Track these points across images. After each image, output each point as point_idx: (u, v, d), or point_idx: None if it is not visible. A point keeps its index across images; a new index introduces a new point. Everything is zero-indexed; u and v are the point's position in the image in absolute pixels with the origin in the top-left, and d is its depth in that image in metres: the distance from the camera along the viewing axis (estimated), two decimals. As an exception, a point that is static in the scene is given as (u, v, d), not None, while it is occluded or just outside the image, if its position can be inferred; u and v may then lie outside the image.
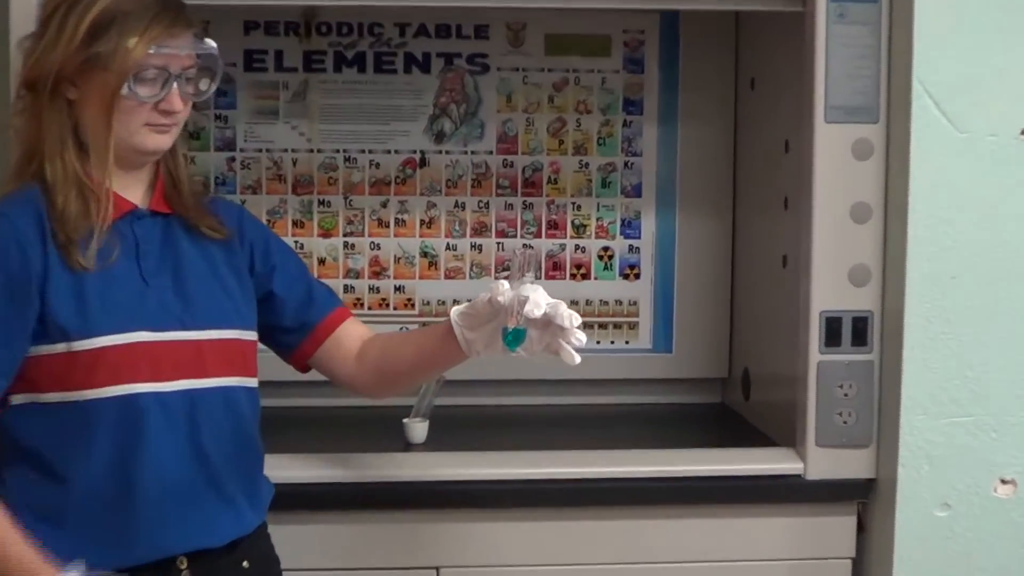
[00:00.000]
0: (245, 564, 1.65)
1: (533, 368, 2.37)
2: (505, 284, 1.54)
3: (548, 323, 1.53)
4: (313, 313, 1.77)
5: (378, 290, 2.53)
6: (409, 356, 1.75)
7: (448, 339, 1.64)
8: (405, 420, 2.15)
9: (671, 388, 2.56)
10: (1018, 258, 1.98)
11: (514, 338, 1.53)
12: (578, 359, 1.55)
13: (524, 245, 2.50)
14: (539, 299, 1.51)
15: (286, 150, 2.49)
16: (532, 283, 1.54)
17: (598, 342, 2.50)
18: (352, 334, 1.79)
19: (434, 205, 2.52)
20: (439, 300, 2.53)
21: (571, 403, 2.52)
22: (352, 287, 2.52)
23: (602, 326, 2.51)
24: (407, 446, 2.13)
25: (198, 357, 1.60)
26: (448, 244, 2.52)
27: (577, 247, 2.54)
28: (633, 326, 2.56)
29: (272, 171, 2.49)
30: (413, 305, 2.53)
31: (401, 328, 2.45)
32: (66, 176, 1.56)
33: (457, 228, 2.53)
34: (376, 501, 1.98)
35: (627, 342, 2.56)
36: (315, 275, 2.04)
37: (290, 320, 1.76)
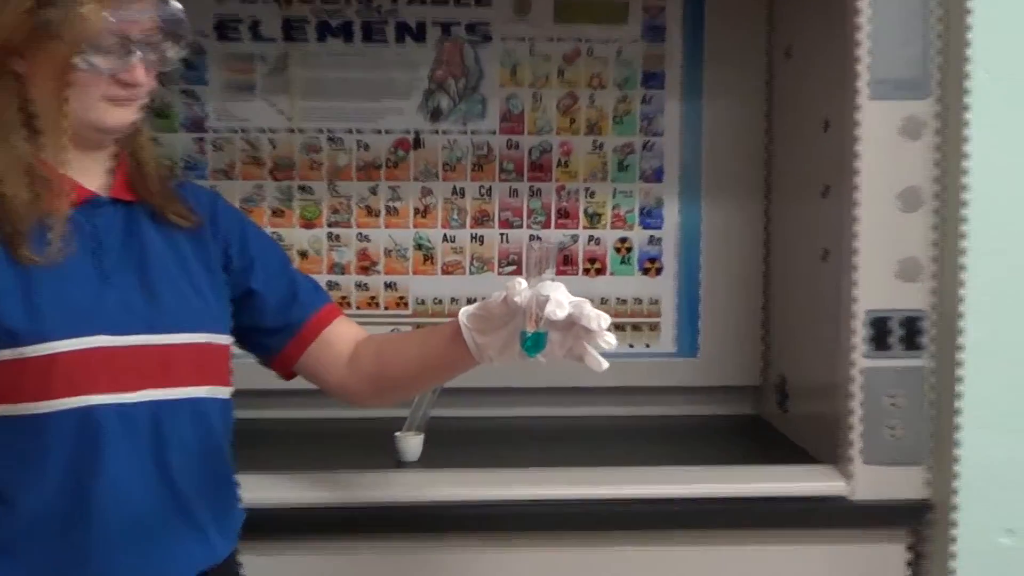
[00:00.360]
0: (214, 598, 1.63)
1: (541, 376, 2.36)
2: (522, 282, 1.51)
3: (571, 325, 1.51)
4: (298, 312, 1.75)
5: (367, 287, 2.53)
6: (410, 361, 1.73)
7: (456, 343, 1.62)
8: (397, 434, 2.14)
9: (697, 397, 2.56)
10: (1089, 250, 1.98)
11: (534, 343, 1.51)
12: (605, 365, 1.53)
13: (532, 237, 2.50)
14: (561, 298, 1.49)
15: (263, 130, 2.49)
16: (552, 280, 1.51)
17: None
18: (343, 335, 1.77)
19: (430, 191, 2.52)
20: (435, 298, 2.53)
21: (584, 414, 2.54)
22: (337, 284, 2.51)
23: (619, 327, 2.51)
24: (399, 463, 2.13)
25: (164, 364, 1.57)
26: (445, 235, 2.53)
27: (591, 239, 2.55)
28: (654, 327, 2.56)
29: (247, 153, 2.49)
30: (406, 304, 2.53)
31: (393, 330, 2.44)
32: (12, 160, 1.53)
33: (455, 217, 2.52)
34: (363, 526, 1.97)
35: (647, 345, 2.57)
36: (295, 270, 2.03)
37: (272, 320, 1.74)
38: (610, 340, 1.51)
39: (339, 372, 1.76)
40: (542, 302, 1.49)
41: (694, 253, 2.56)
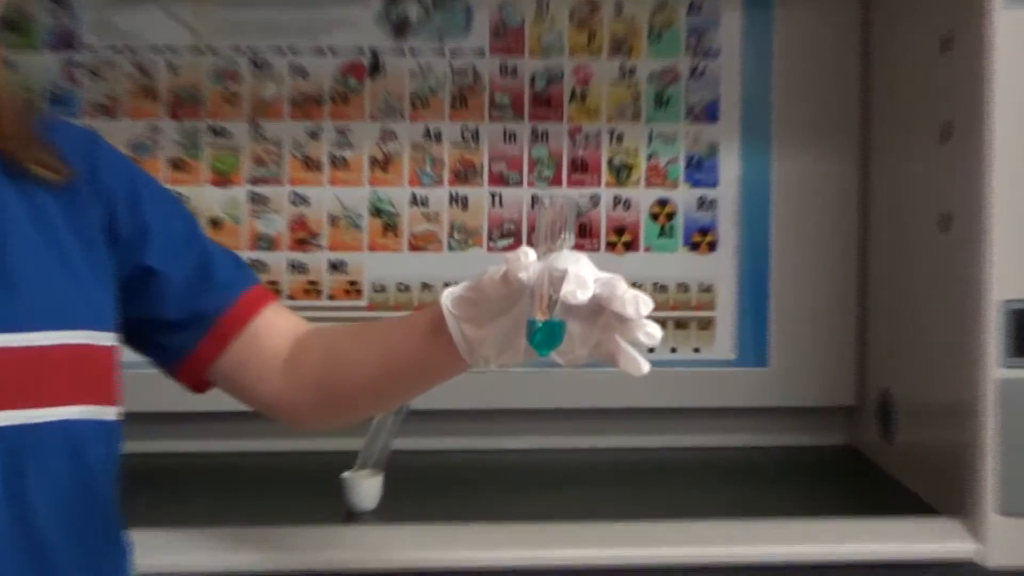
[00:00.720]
0: None
1: (549, 392, 2.42)
2: (530, 252, 1.49)
3: (599, 311, 1.50)
4: (213, 297, 1.73)
5: (304, 268, 2.54)
6: (370, 364, 1.70)
7: (436, 338, 1.60)
8: (346, 474, 2.14)
9: (767, 423, 2.58)
10: None
11: (546, 337, 1.48)
12: (646, 367, 1.50)
13: (536, 198, 2.49)
14: (584, 274, 1.47)
15: (159, 49, 2.49)
16: (571, 249, 1.50)
17: (651, 350, 2.45)
18: (277, 328, 1.76)
19: (392, 135, 2.54)
20: (400, 284, 2.55)
21: (608, 447, 2.55)
22: (263, 264, 2.53)
23: (658, 324, 2.47)
24: (349, 514, 2.13)
25: (24, 375, 1.54)
26: (415, 196, 2.54)
27: (617, 201, 2.56)
28: (706, 325, 2.58)
29: (137, 82, 2.50)
30: (359, 291, 2.55)
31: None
32: None
33: (429, 171, 2.54)
34: (303, 600, 1.97)
35: (697, 350, 2.59)
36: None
37: (176, 309, 1.72)
38: (653, 332, 1.48)
39: (271, 380, 1.74)
40: (557, 280, 1.46)
41: (761, 221, 2.57)
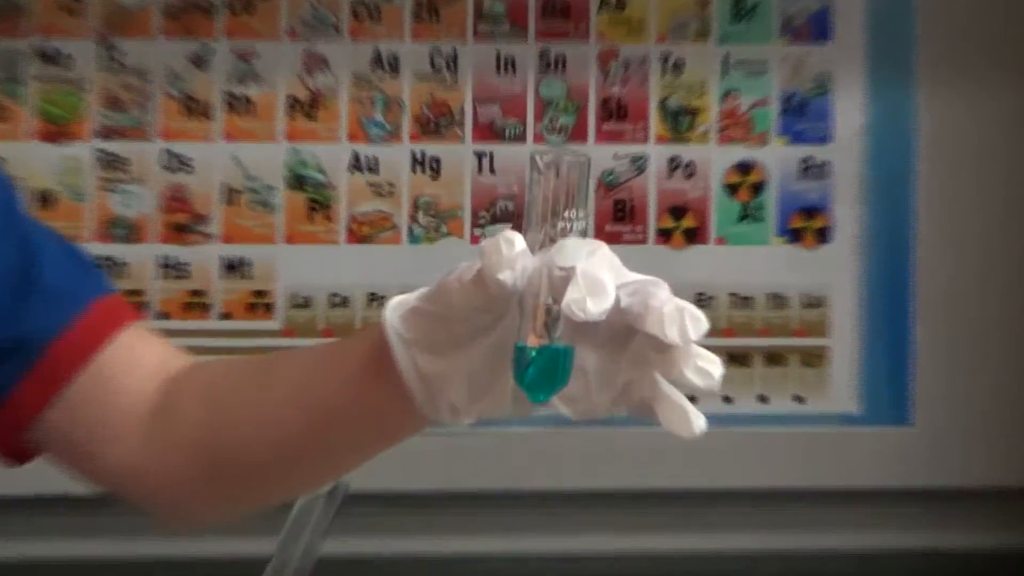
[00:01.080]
0: None
1: (547, 466, 2.48)
2: (517, 240, 1.35)
3: (627, 334, 1.36)
4: (41, 313, 1.63)
5: (184, 270, 2.53)
6: (283, 418, 1.60)
7: (378, 375, 1.49)
8: None
9: (910, 513, 2.56)
10: None
11: (543, 372, 1.37)
12: (700, 423, 1.36)
13: (535, 158, 2.34)
14: (599, 273, 1.34)
15: None
16: (581, 233, 1.35)
17: (728, 399, 2.45)
18: (140, 361, 1.65)
19: (323, 62, 2.53)
20: (333, 294, 2.55)
21: (654, 552, 2.53)
22: (120, 263, 2.52)
23: (737, 358, 2.50)
24: None
25: None
26: (358, 157, 2.52)
27: (675, 164, 2.53)
28: (814, 359, 2.57)
29: None
30: (269, 308, 2.54)
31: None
32: None
33: (380, 119, 2.53)
34: None
35: (800, 399, 2.55)
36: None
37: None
38: (709, 368, 1.34)
39: (129, 443, 1.62)
40: (559, 283, 1.33)
41: (900, 197, 2.56)
